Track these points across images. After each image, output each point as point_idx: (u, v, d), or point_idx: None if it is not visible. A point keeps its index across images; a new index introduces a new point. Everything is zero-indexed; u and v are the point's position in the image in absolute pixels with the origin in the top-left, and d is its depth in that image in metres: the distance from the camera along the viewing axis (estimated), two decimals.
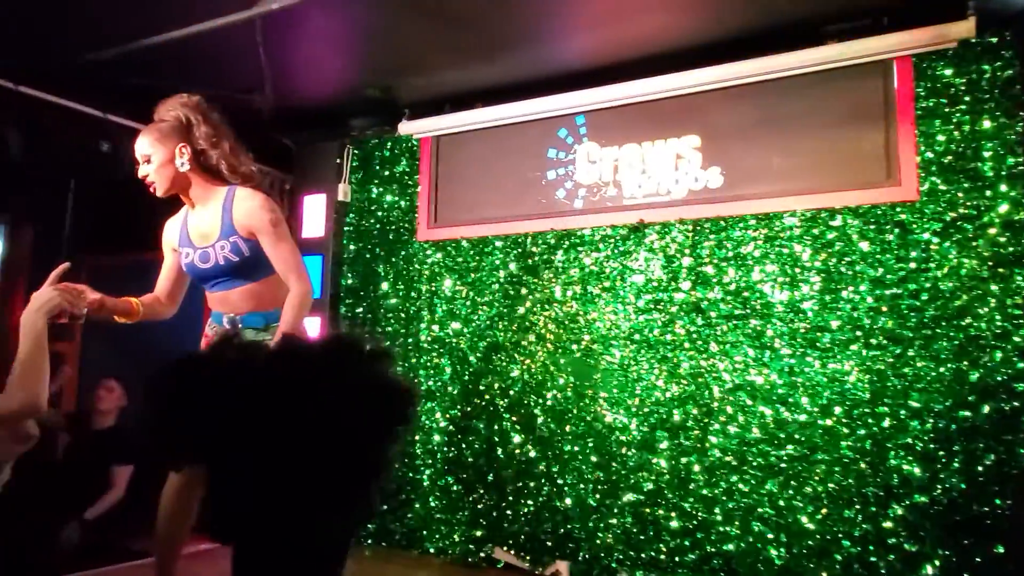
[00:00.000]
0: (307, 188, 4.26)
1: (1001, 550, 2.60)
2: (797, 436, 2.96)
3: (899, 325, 2.85)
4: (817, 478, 2.90)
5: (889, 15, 2.95)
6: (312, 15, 3.04)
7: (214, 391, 0.85)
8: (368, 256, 4.13)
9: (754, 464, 3.02)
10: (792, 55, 3.10)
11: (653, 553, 3.17)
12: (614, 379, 3.35)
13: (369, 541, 3.82)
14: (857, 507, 2.83)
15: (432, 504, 3.71)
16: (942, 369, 2.77)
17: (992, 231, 2.75)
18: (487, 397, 3.66)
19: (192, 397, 0.85)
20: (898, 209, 2.91)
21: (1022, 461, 2.63)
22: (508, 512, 3.52)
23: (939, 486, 2.72)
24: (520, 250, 3.69)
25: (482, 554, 3.54)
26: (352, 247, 4.17)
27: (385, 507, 3.81)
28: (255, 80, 3.58)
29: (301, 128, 4.26)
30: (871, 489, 2.82)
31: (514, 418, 3.57)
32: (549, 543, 3.40)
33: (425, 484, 3.75)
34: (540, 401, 3.52)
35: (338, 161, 4.21)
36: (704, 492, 3.10)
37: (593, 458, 3.35)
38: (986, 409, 2.69)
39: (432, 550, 3.67)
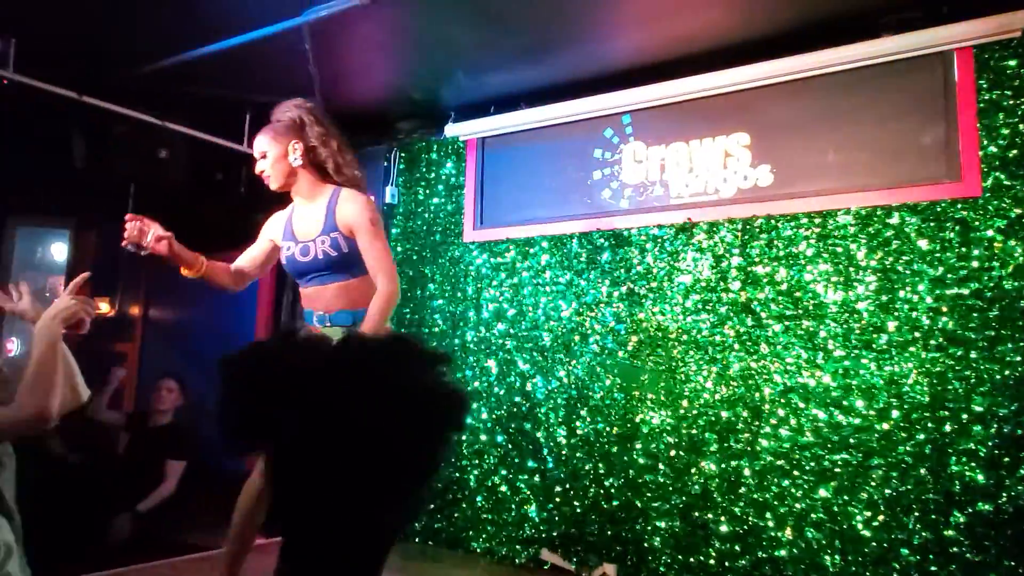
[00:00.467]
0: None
1: None
2: (852, 440, 2.88)
3: (961, 326, 2.75)
4: (873, 484, 2.82)
5: (948, 4, 2.85)
6: (359, 21, 3.09)
7: (277, 380, 0.86)
8: (415, 258, 4.17)
9: (807, 468, 2.95)
10: (846, 49, 3.02)
11: (702, 558, 3.12)
12: (662, 380, 3.32)
13: (416, 540, 3.86)
14: (916, 514, 2.74)
15: (479, 504, 3.73)
16: (1007, 372, 2.66)
17: None
18: (533, 398, 3.66)
19: (257, 384, 0.87)
20: (959, 206, 2.80)
21: None
22: (555, 513, 3.51)
23: (1004, 494, 2.61)
24: (566, 251, 3.68)
25: (528, 555, 3.54)
26: (399, 249, 4.22)
27: (432, 506, 3.84)
28: (304, 86, 3.65)
29: (348, 132, 4.31)
30: (931, 496, 2.72)
31: (560, 419, 3.57)
32: (596, 545, 3.38)
33: (472, 484, 3.77)
34: (587, 402, 3.50)
35: (385, 164, 4.27)
36: (755, 496, 3.04)
37: (641, 460, 3.32)
38: None
39: (479, 550, 3.69)
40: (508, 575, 3.49)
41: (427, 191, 4.19)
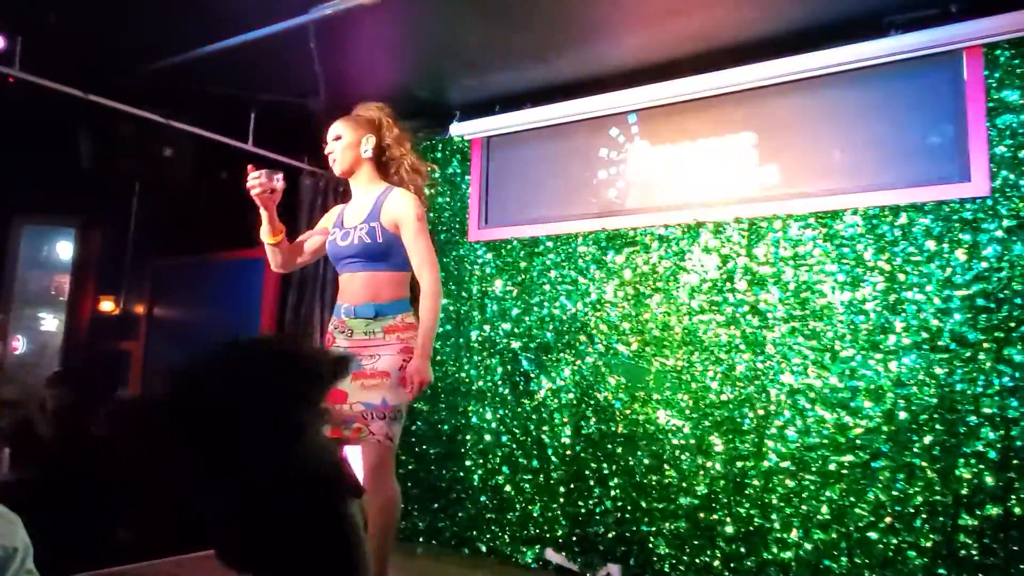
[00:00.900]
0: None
1: None
2: (859, 442, 2.86)
3: (969, 327, 2.73)
4: (881, 485, 2.80)
5: (957, 2, 2.82)
6: (364, 20, 3.08)
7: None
8: None
9: (813, 469, 2.93)
10: (854, 48, 3.00)
11: (707, 559, 3.10)
12: (667, 381, 3.30)
13: (420, 539, 3.85)
14: (924, 517, 2.72)
15: (483, 504, 3.72)
16: (1016, 373, 2.64)
17: None
18: (538, 398, 3.65)
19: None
20: (968, 206, 2.78)
21: None
22: (559, 514, 3.50)
23: (1013, 496, 2.59)
24: (571, 250, 3.66)
25: (533, 555, 3.53)
26: None
27: (435, 505, 3.84)
28: (309, 84, 3.65)
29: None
30: (939, 498, 2.70)
31: (565, 419, 3.55)
32: (601, 546, 3.37)
33: (476, 484, 3.76)
34: (591, 402, 3.49)
35: None
36: (761, 497, 3.02)
37: (646, 461, 3.30)
38: None
39: (483, 550, 3.68)
40: (512, 575, 3.49)
41: (432, 190, 4.18)
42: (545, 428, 3.60)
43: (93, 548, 3.28)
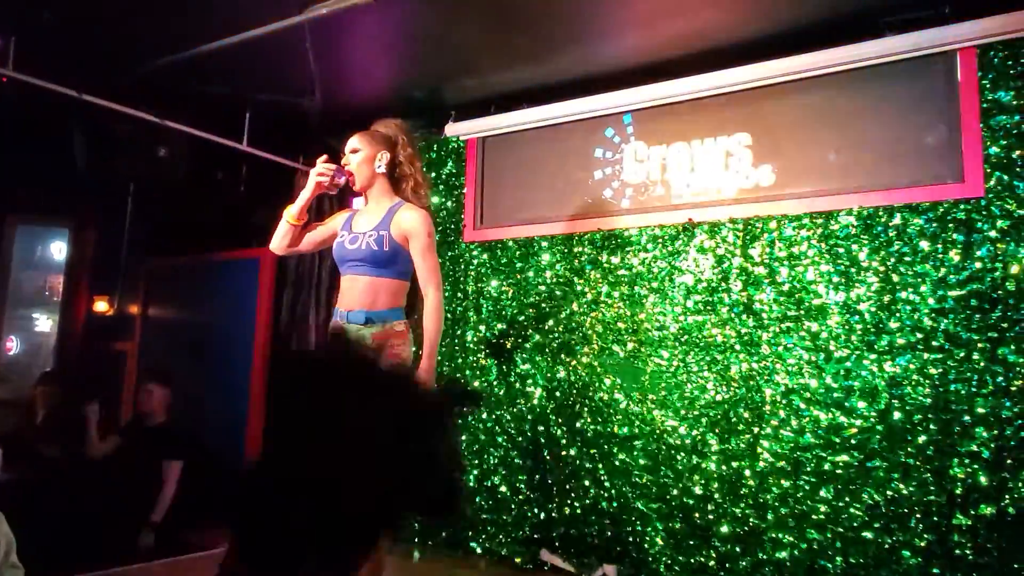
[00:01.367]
0: (355, 191, 4.31)
1: None
2: (853, 441, 2.87)
3: (963, 327, 2.74)
4: (875, 485, 2.81)
5: (951, 3, 2.83)
6: (359, 20, 3.08)
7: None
8: None
9: (808, 469, 2.94)
10: (849, 48, 3.01)
11: (702, 559, 3.11)
12: (662, 381, 3.30)
13: (416, 540, 3.85)
14: (918, 516, 2.72)
15: (479, 504, 3.72)
16: (1010, 373, 2.65)
17: None
18: (534, 398, 3.65)
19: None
20: (962, 207, 2.79)
21: None
22: (555, 514, 3.50)
23: (1007, 496, 2.60)
24: (566, 251, 3.66)
25: (528, 556, 3.53)
26: None
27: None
28: (304, 84, 3.65)
29: (348, 131, 4.32)
30: (933, 498, 2.71)
31: (560, 419, 3.55)
32: (596, 546, 3.37)
33: (472, 484, 3.75)
34: (587, 403, 3.49)
35: None
36: (756, 497, 3.03)
37: (641, 461, 3.30)
38: None
39: (479, 550, 3.68)
40: None
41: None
42: (541, 429, 3.60)
43: (93, 548, 3.28)
